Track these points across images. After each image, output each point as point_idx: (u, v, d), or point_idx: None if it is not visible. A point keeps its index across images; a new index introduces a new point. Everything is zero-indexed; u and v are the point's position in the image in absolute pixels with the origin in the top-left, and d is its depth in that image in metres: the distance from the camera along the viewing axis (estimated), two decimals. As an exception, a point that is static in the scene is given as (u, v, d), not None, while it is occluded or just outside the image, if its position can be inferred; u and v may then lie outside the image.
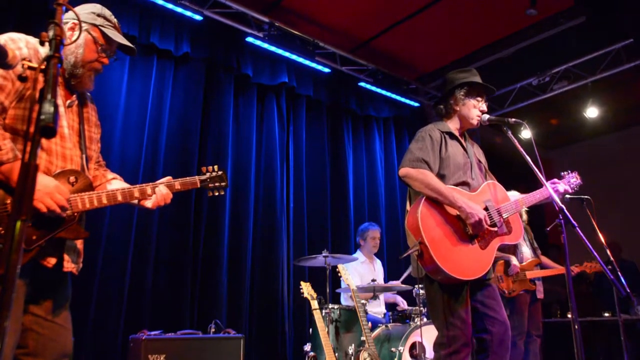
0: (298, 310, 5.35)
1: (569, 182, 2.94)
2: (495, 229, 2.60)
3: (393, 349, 3.92)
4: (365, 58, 6.24)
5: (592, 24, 5.63)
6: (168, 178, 2.09)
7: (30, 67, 1.17)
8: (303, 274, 5.42)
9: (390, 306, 5.17)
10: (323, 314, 4.00)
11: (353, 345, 3.90)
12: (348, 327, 4.09)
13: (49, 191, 1.63)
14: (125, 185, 2.10)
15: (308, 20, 5.73)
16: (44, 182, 1.64)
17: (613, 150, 7.89)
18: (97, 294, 4.08)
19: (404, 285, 4.63)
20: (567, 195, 2.92)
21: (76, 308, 2.02)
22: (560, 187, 2.85)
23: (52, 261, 1.75)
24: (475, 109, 2.78)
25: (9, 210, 1.61)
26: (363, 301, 4.05)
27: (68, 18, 1.89)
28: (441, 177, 2.62)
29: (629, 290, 2.46)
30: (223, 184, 2.18)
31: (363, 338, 3.78)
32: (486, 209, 2.61)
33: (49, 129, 1.01)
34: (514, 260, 4.42)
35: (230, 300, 4.87)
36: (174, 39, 4.94)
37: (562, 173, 2.98)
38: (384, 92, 6.62)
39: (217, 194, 2.18)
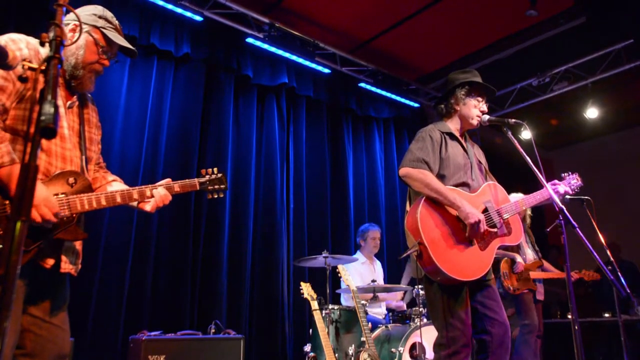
0: (298, 310, 5.34)
1: (570, 183, 2.94)
2: (495, 229, 2.60)
3: (393, 350, 3.91)
4: (365, 59, 6.24)
5: (592, 24, 5.63)
6: (167, 180, 2.08)
7: (30, 68, 1.17)
8: (303, 274, 5.42)
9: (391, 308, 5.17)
10: (323, 315, 4.00)
11: (353, 345, 3.90)
12: (348, 327, 4.09)
13: (36, 203, 1.61)
14: (125, 187, 2.09)
15: (308, 21, 5.74)
16: (37, 191, 1.62)
17: (613, 151, 7.89)
18: (97, 294, 4.08)
19: (404, 286, 4.63)
20: (567, 196, 2.92)
21: (76, 308, 2.03)
22: (560, 189, 2.86)
23: (50, 262, 1.75)
24: (476, 109, 2.78)
25: (8, 212, 1.61)
26: (363, 302, 4.05)
27: (69, 19, 1.90)
28: (441, 177, 2.62)
29: (629, 291, 2.46)
30: (222, 186, 2.17)
31: (363, 339, 3.78)
32: (486, 209, 2.61)
33: (49, 130, 1.01)
34: (518, 258, 4.43)
35: (230, 300, 4.86)
36: (174, 40, 4.95)
37: (563, 174, 2.98)
38: (384, 92, 6.63)
39: (216, 196, 2.18)
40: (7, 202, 1.63)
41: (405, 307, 5.08)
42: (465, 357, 2.44)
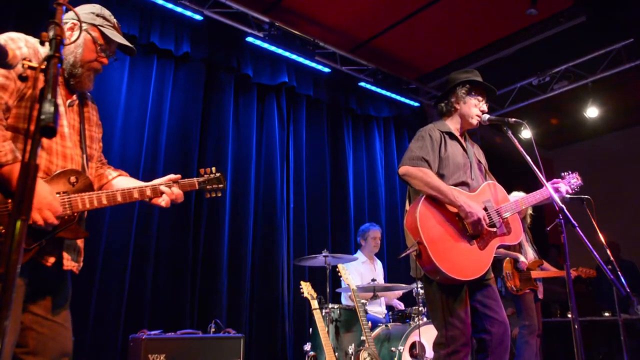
0: (298, 310, 5.35)
1: (570, 182, 2.94)
2: (495, 229, 2.60)
3: (393, 349, 3.92)
4: (365, 58, 6.24)
5: (592, 23, 5.63)
6: (169, 177, 2.08)
7: (30, 67, 1.18)
8: (303, 273, 5.42)
9: (390, 307, 5.17)
10: (323, 314, 4.00)
11: (353, 344, 3.91)
12: (348, 326, 4.09)
13: (40, 207, 1.61)
14: (131, 180, 2.11)
15: (308, 20, 5.73)
16: (41, 194, 1.62)
17: (613, 150, 7.89)
18: (97, 294, 4.08)
19: (404, 285, 4.63)
20: (567, 195, 2.92)
21: (76, 307, 2.03)
22: (561, 188, 2.86)
23: (51, 260, 1.75)
24: (476, 109, 2.78)
25: (10, 210, 1.61)
26: (363, 301, 4.06)
27: (68, 18, 1.90)
28: (440, 176, 2.62)
29: (628, 290, 2.46)
30: (221, 185, 2.17)
31: (363, 338, 3.78)
32: (485, 209, 2.61)
33: (49, 129, 1.01)
34: (521, 258, 4.43)
35: (230, 299, 4.87)
36: (174, 39, 4.95)
37: (563, 174, 2.99)
38: (384, 92, 6.62)
39: (214, 195, 2.18)
40: (10, 200, 1.63)
41: (394, 303, 5.09)
42: (465, 356, 2.45)
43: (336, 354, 3.79)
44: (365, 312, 3.98)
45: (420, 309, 4.15)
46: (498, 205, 2.67)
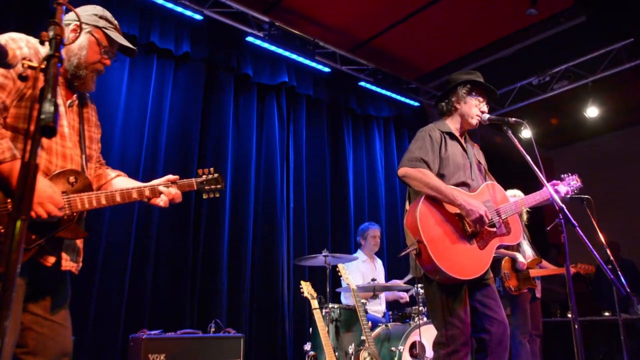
0: (298, 309, 5.35)
1: (569, 184, 2.95)
2: (494, 229, 2.60)
3: (393, 349, 3.92)
4: (365, 57, 6.24)
5: (592, 23, 5.63)
6: (167, 177, 2.09)
7: (30, 67, 1.18)
8: (303, 273, 5.42)
9: (391, 305, 5.17)
10: (323, 314, 4.00)
11: (353, 344, 3.91)
12: (348, 326, 4.09)
13: (41, 201, 1.62)
14: (130, 181, 2.12)
15: (308, 20, 5.73)
16: (40, 188, 1.62)
17: (613, 150, 7.89)
18: (97, 294, 4.08)
19: (404, 285, 4.63)
20: (567, 196, 2.93)
21: (76, 307, 2.03)
22: (560, 189, 2.87)
23: (51, 260, 1.76)
24: (476, 109, 2.78)
25: (9, 209, 1.62)
26: (363, 300, 4.06)
27: (70, 19, 1.91)
28: (440, 176, 2.62)
29: (628, 290, 2.46)
30: (219, 186, 2.18)
31: (363, 337, 3.78)
32: (485, 209, 2.61)
33: (49, 129, 1.01)
34: (520, 258, 4.43)
35: (230, 299, 4.87)
36: (174, 39, 4.95)
37: (563, 175, 2.99)
38: (384, 91, 6.62)
39: (212, 196, 2.19)
40: (9, 200, 1.63)
41: (407, 298, 5.08)
42: (465, 355, 2.45)
43: (336, 353, 3.79)
44: (365, 311, 3.98)
45: (420, 308, 4.16)
46: (498, 206, 2.67)
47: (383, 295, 5.01)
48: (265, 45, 5.48)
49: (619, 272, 2.58)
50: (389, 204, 6.65)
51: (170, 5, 4.85)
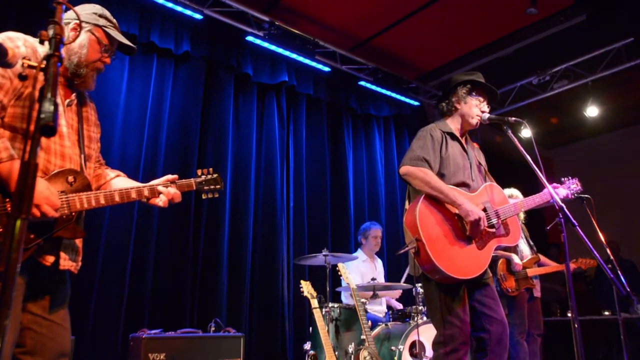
0: (298, 309, 5.35)
1: (569, 187, 2.97)
2: (493, 230, 2.61)
3: (393, 348, 3.92)
4: (365, 57, 6.23)
5: (592, 22, 5.63)
6: (167, 177, 2.09)
7: (30, 66, 1.17)
8: (303, 272, 5.42)
9: (389, 306, 5.17)
10: (323, 313, 4.00)
11: (353, 344, 3.91)
12: (348, 325, 4.09)
13: (38, 202, 1.61)
14: (129, 181, 2.12)
15: (308, 19, 5.73)
16: (38, 189, 1.62)
17: (613, 149, 7.89)
18: (97, 293, 4.08)
19: (404, 285, 4.63)
20: (567, 198, 2.94)
21: (76, 307, 2.03)
22: (560, 192, 2.87)
23: (50, 259, 1.76)
24: (476, 109, 2.78)
25: (8, 210, 1.61)
26: (363, 300, 4.06)
27: (69, 18, 1.92)
28: (441, 176, 2.63)
29: (628, 289, 2.46)
30: (218, 186, 2.19)
31: (363, 337, 3.78)
32: (484, 210, 2.61)
33: (49, 128, 1.01)
34: (515, 259, 4.43)
35: (231, 298, 4.87)
36: (174, 38, 4.94)
37: (563, 179, 3.00)
38: (384, 91, 6.62)
39: (211, 196, 2.19)
40: (8, 200, 1.63)
41: (393, 303, 5.08)
42: (464, 354, 2.45)
43: (336, 353, 3.79)
44: (365, 311, 3.98)
45: (420, 308, 4.15)
46: (497, 207, 2.67)
47: (384, 297, 5.00)
48: (265, 44, 5.47)
49: (619, 272, 2.58)
50: (389, 203, 6.65)
51: (170, 4, 4.85)
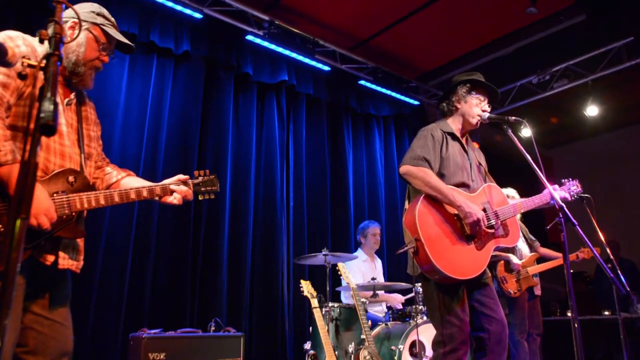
0: (298, 308, 5.35)
1: (569, 189, 2.97)
2: (492, 230, 2.61)
3: (393, 348, 3.92)
4: (365, 56, 6.23)
5: (592, 22, 5.63)
6: (178, 177, 2.11)
7: (30, 65, 1.17)
8: (303, 272, 5.42)
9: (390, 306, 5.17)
10: (323, 312, 4.00)
11: (353, 343, 3.91)
12: (348, 325, 4.09)
13: (36, 212, 1.61)
14: (140, 181, 2.13)
15: (308, 19, 5.73)
16: (39, 198, 1.62)
17: (613, 149, 7.89)
18: (97, 293, 4.08)
19: (404, 284, 4.63)
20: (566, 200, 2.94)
21: (76, 307, 2.03)
22: (560, 194, 2.87)
23: (50, 259, 1.76)
24: (477, 108, 2.78)
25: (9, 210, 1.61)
26: (363, 300, 4.05)
27: (68, 17, 1.92)
28: (441, 176, 2.63)
29: (628, 289, 2.46)
30: (214, 187, 2.20)
31: (363, 336, 3.78)
32: (484, 210, 2.61)
33: (49, 127, 1.01)
34: (514, 259, 4.42)
35: (230, 298, 4.87)
36: (173, 37, 4.94)
37: (563, 180, 3.01)
38: (384, 90, 6.62)
39: (207, 197, 2.20)
40: (6, 204, 1.63)
41: (400, 307, 5.08)
42: (464, 354, 2.45)
43: (336, 352, 3.79)
44: (365, 310, 3.98)
45: (420, 307, 4.15)
46: (496, 208, 2.67)
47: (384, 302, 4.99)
48: (265, 43, 5.47)
49: (619, 271, 2.58)
50: (389, 203, 6.65)
51: (170, 3, 4.85)
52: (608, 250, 2.81)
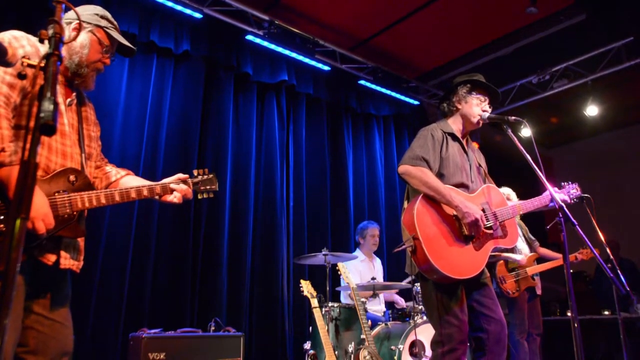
0: (298, 308, 5.35)
1: (569, 192, 2.97)
2: (491, 231, 2.61)
3: (393, 347, 3.92)
4: (365, 56, 6.23)
5: (592, 22, 5.63)
6: (177, 176, 2.12)
7: (29, 65, 1.17)
8: (303, 272, 5.42)
9: (390, 304, 5.17)
10: (323, 312, 4.00)
11: (353, 343, 3.91)
12: (348, 325, 4.09)
13: (35, 216, 1.60)
14: (139, 180, 2.14)
15: (308, 19, 5.73)
16: (38, 203, 1.62)
17: (613, 149, 7.89)
18: (97, 293, 4.08)
19: (404, 284, 4.63)
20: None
21: (76, 306, 2.03)
22: (560, 196, 2.87)
23: (52, 258, 1.76)
24: (477, 108, 2.78)
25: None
26: (363, 299, 4.05)
27: (70, 18, 1.94)
28: (440, 176, 2.63)
29: (628, 289, 2.46)
30: (213, 187, 2.20)
31: (363, 336, 3.78)
32: (483, 211, 2.61)
33: (49, 127, 1.01)
34: (514, 256, 4.42)
35: (230, 298, 4.87)
36: (173, 37, 4.94)
37: (563, 183, 3.01)
38: (384, 90, 6.62)
39: (206, 196, 2.20)
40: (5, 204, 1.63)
41: (396, 299, 5.08)
42: (462, 354, 2.45)
43: (336, 352, 3.79)
44: (365, 310, 3.98)
45: (419, 307, 4.16)
46: (495, 209, 2.68)
47: (382, 295, 5.00)
48: (265, 43, 5.47)
49: (619, 271, 2.58)
50: (389, 203, 6.65)
51: (170, 3, 4.85)
52: (608, 250, 2.81)
